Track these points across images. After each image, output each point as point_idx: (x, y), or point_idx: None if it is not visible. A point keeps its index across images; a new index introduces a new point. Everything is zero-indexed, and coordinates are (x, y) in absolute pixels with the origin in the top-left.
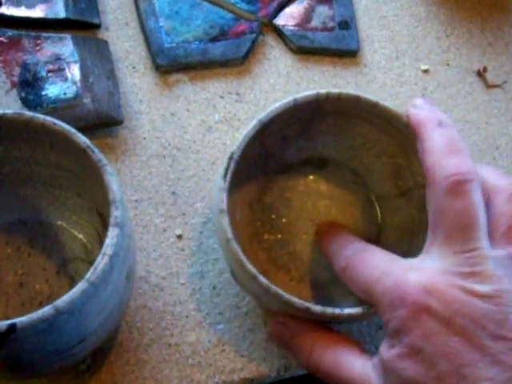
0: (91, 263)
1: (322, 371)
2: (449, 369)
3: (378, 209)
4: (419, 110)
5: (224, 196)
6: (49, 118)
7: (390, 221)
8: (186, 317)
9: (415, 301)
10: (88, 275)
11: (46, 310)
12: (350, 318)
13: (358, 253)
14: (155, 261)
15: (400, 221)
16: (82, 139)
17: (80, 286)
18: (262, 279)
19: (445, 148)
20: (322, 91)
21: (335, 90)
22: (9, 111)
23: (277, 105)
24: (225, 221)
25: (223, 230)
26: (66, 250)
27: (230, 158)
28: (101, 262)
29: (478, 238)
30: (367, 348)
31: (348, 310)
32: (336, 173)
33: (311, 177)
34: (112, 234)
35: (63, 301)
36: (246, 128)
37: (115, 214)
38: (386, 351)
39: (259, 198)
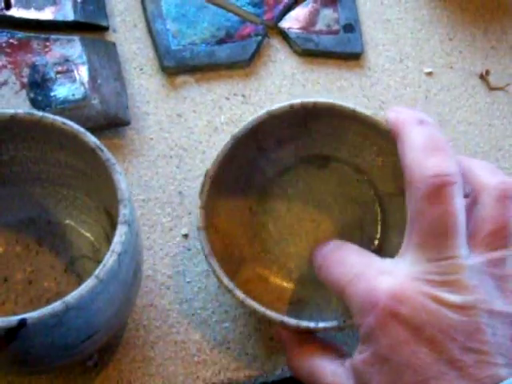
0: (98, 261)
1: (301, 376)
2: (415, 380)
3: (380, 207)
4: (398, 112)
5: (200, 213)
6: (58, 118)
7: (394, 219)
8: (192, 315)
9: (384, 307)
10: (97, 272)
11: (56, 306)
12: (326, 331)
13: (333, 251)
14: (162, 259)
15: (403, 219)
16: (91, 139)
17: (89, 282)
18: (239, 293)
19: (424, 146)
20: (296, 101)
21: (310, 100)
22: (20, 111)
23: (250, 119)
24: (202, 237)
25: (202, 246)
26: (73, 248)
27: (205, 176)
28: (109, 258)
29: (455, 246)
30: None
31: (323, 324)
32: (339, 170)
33: (313, 175)
34: (120, 232)
35: (72, 296)
36: None
37: (123, 212)
38: (357, 355)
39: (259, 200)
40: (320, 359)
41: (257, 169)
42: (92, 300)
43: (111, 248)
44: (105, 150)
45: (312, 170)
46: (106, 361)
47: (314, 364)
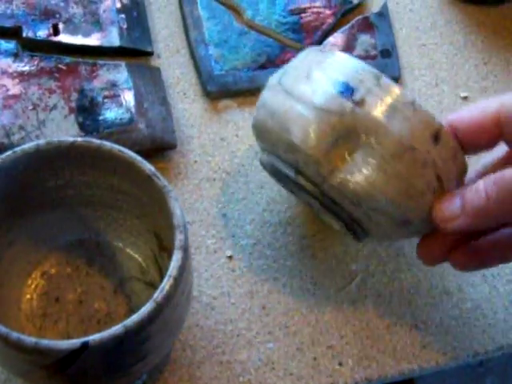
0: (147, 283)
1: None
2: None
3: None
4: None
5: None
6: (116, 146)
7: None
8: (237, 335)
9: None
10: (155, 296)
11: (117, 329)
12: None
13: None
14: (207, 281)
15: None
16: (147, 166)
17: (147, 306)
18: None
19: None
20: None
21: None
22: (79, 139)
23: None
24: None
25: None
26: (122, 269)
27: None
28: (166, 283)
29: None
30: (410, 367)
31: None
32: None
33: None
34: (177, 257)
35: (132, 320)
36: None
37: (179, 237)
38: None
39: None
40: None
41: None
42: (149, 323)
43: (168, 273)
44: (161, 177)
45: None
46: (154, 380)
47: None
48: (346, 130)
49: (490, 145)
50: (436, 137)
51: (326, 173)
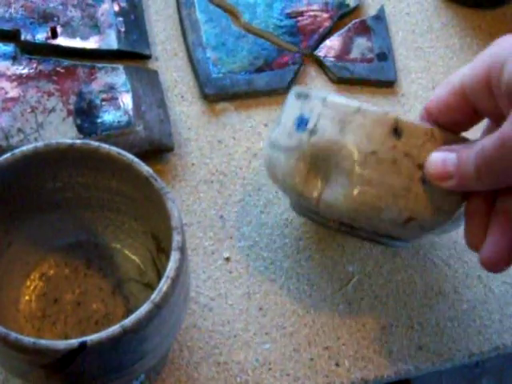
0: (145, 284)
1: None
2: None
3: None
4: None
5: None
6: (114, 148)
7: None
8: (234, 336)
9: None
10: (153, 297)
11: (115, 329)
12: None
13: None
14: (204, 282)
15: None
16: (144, 168)
17: (145, 307)
18: None
19: None
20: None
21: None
22: (77, 141)
23: None
24: None
25: None
26: (120, 271)
27: None
28: (164, 284)
29: None
30: (405, 368)
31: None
32: None
33: None
34: (174, 258)
35: (130, 320)
36: None
37: (177, 238)
38: None
39: None
40: None
41: None
42: (147, 324)
43: (165, 274)
44: (158, 179)
45: None
46: (151, 380)
47: None
48: (312, 159)
49: (471, 120)
50: (396, 130)
51: (315, 201)
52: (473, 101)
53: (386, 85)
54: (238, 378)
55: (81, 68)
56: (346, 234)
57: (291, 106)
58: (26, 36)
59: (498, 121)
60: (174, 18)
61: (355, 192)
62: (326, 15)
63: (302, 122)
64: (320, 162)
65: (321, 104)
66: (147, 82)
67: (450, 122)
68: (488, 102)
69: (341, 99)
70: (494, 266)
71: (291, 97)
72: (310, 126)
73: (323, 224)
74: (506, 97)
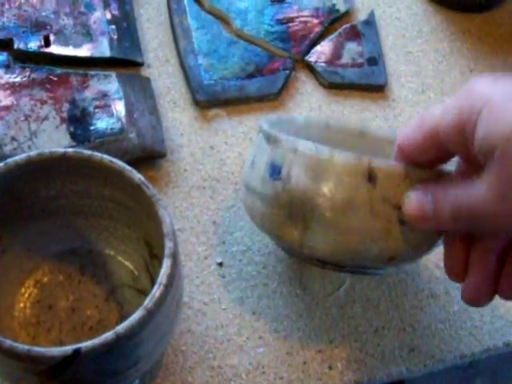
0: (138, 290)
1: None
2: None
3: None
4: None
5: None
6: (106, 156)
7: None
8: (228, 341)
9: None
10: (145, 303)
11: (108, 336)
12: None
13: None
14: (197, 287)
15: None
16: (136, 176)
17: (138, 313)
18: None
19: None
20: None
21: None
22: (70, 150)
23: None
24: None
25: None
26: (114, 277)
27: None
28: (157, 290)
29: None
30: (398, 370)
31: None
32: None
33: None
34: (166, 265)
35: (123, 327)
36: None
37: (169, 245)
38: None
39: None
40: None
41: None
42: (140, 330)
43: (158, 280)
44: (150, 186)
45: None
46: None
47: None
48: (288, 206)
49: (444, 159)
50: (370, 176)
51: (296, 245)
52: (445, 144)
53: (376, 89)
54: (231, 381)
55: (74, 76)
56: (333, 270)
57: (262, 149)
58: (18, 44)
59: (471, 162)
60: (165, 25)
61: (335, 239)
62: (316, 21)
63: (274, 171)
64: (297, 209)
65: (291, 151)
66: (140, 89)
67: (424, 160)
68: (461, 146)
69: (312, 147)
70: (476, 302)
71: (261, 138)
72: (284, 174)
73: (308, 262)
74: (478, 154)
